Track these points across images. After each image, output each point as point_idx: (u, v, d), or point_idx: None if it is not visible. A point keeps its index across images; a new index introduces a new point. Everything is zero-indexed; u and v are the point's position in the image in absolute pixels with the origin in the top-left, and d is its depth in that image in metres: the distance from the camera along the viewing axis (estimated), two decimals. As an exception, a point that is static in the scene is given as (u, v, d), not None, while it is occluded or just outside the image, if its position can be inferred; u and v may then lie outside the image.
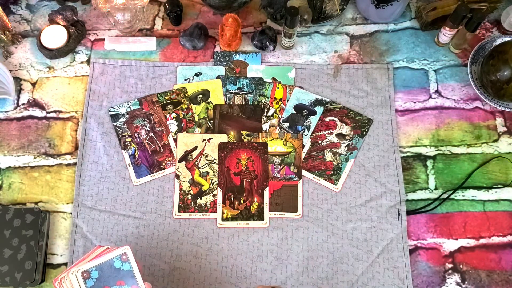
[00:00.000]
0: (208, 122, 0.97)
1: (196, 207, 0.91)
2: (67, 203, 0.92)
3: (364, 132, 0.97)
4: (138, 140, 0.95)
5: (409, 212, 0.92)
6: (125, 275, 0.69)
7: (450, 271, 0.89)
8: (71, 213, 0.91)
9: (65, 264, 0.89)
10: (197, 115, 0.98)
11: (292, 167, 0.94)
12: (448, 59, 1.03)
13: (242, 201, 0.92)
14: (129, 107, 0.97)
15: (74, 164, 0.94)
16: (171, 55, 1.03)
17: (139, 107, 0.98)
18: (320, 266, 0.89)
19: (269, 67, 1.01)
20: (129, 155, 0.94)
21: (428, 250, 0.90)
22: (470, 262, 0.90)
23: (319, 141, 0.96)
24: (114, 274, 0.69)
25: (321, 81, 1.01)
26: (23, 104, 0.99)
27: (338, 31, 1.06)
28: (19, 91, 1.00)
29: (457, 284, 0.89)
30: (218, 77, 1.00)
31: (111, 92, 0.99)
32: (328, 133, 0.97)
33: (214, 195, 0.92)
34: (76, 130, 0.97)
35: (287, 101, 0.99)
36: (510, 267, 0.89)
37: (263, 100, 0.99)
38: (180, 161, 0.94)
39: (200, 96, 0.99)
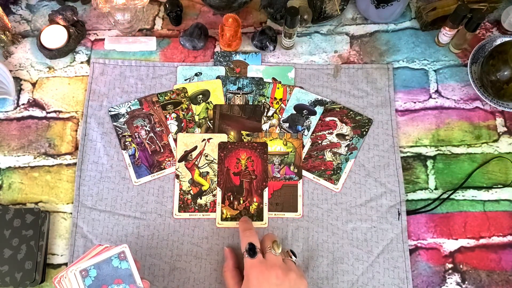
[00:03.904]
0: (208, 122, 0.97)
1: (196, 207, 0.91)
2: (67, 203, 0.92)
3: (364, 132, 0.97)
4: (138, 140, 0.95)
5: (409, 212, 0.92)
6: (123, 274, 0.70)
7: (450, 271, 0.89)
8: (71, 213, 0.91)
9: (65, 264, 0.89)
10: (197, 115, 0.98)
11: (292, 167, 0.94)
12: (448, 59, 1.03)
13: (241, 201, 0.92)
14: (129, 107, 0.98)
15: (74, 164, 0.95)
16: (171, 55, 1.03)
17: (139, 107, 0.98)
18: (320, 266, 0.89)
19: (269, 67, 1.01)
20: (129, 155, 0.94)
21: (428, 250, 0.90)
22: (470, 262, 0.90)
23: (319, 141, 0.96)
24: (112, 273, 0.69)
25: (321, 81, 1.01)
26: (23, 104, 0.99)
27: (338, 31, 1.06)
28: (19, 91, 1.00)
29: (457, 284, 0.89)
30: (218, 77, 1.00)
31: (111, 92, 0.99)
32: (328, 133, 0.97)
33: (214, 195, 0.92)
34: (76, 130, 0.97)
35: (287, 101, 0.99)
36: (510, 267, 0.89)
37: (263, 100, 0.99)
38: (180, 161, 0.94)
39: (200, 96, 0.99)
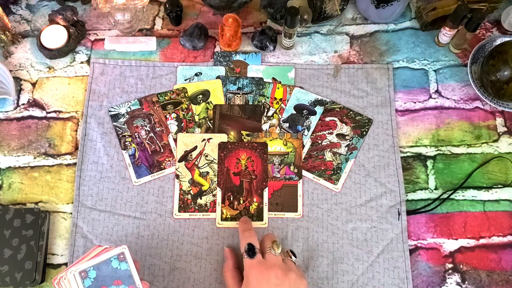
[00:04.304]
0: (208, 122, 0.97)
1: (196, 207, 0.91)
2: (67, 203, 0.92)
3: (364, 132, 0.97)
4: (138, 140, 0.95)
5: (409, 212, 0.92)
6: (122, 275, 0.70)
7: (450, 271, 0.89)
8: (71, 213, 0.91)
9: (65, 264, 0.89)
10: (197, 115, 0.98)
11: (292, 167, 0.94)
12: (448, 59, 1.03)
13: (241, 201, 0.92)
14: (129, 107, 0.98)
15: (74, 164, 0.95)
16: (171, 55, 1.03)
17: (139, 107, 0.98)
18: (320, 266, 0.89)
19: (269, 67, 1.01)
20: (129, 155, 0.94)
21: (428, 250, 0.90)
22: (470, 262, 0.90)
23: (319, 141, 0.96)
24: (112, 274, 0.69)
25: (321, 81, 1.01)
26: (23, 104, 0.99)
27: (338, 31, 1.06)
28: (19, 91, 1.00)
29: (457, 284, 0.89)
30: (218, 77, 1.00)
31: (111, 92, 0.99)
32: (328, 133, 0.97)
33: (214, 195, 0.92)
34: (76, 130, 0.97)
35: (287, 101, 0.99)
36: (510, 267, 0.89)
37: (263, 100, 0.99)
38: (180, 161, 0.94)
39: (200, 96, 0.99)
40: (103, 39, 1.03)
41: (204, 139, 0.95)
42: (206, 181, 0.93)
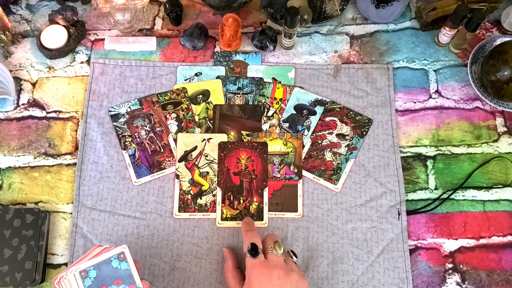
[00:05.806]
0: (208, 122, 0.97)
1: (196, 207, 0.91)
2: (67, 203, 0.92)
3: (364, 132, 0.97)
4: (138, 140, 0.95)
5: (409, 212, 0.92)
6: (122, 274, 0.70)
7: (450, 271, 0.89)
8: (71, 213, 0.91)
9: (65, 264, 0.89)
10: (197, 115, 0.98)
11: (292, 167, 0.94)
12: (448, 59, 1.03)
13: (241, 201, 0.92)
14: (129, 107, 0.98)
15: (74, 164, 0.95)
16: (171, 55, 1.03)
17: (139, 107, 0.98)
18: (320, 266, 0.89)
19: (269, 67, 1.01)
20: (129, 155, 0.94)
21: (428, 250, 0.90)
22: (470, 262, 0.90)
23: (319, 141, 0.96)
24: (112, 273, 0.69)
25: (321, 81, 1.01)
26: (23, 104, 0.99)
27: (338, 31, 1.06)
28: (19, 91, 1.00)
29: (457, 284, 0.89)
30: (218, 77, 1.00)
31: (111, 92, 0.99)
32: (328, 133, 0.97)
33: (214, 195, 0.92)
34: (76, 130, 0.97)
35: (287, 101, 0.99)
36: (510, 267, 0.89)
37: (263, 100, 0.99)
38: (180, 161, 0.94)
39: (200, 96, 0.99)
40: (103, 39, 1.03)
41: (204, 139, 0.96)
42: (206, 181, 0.93)
